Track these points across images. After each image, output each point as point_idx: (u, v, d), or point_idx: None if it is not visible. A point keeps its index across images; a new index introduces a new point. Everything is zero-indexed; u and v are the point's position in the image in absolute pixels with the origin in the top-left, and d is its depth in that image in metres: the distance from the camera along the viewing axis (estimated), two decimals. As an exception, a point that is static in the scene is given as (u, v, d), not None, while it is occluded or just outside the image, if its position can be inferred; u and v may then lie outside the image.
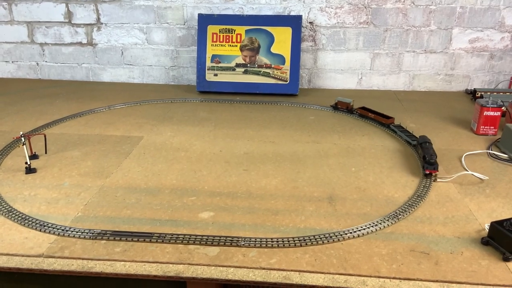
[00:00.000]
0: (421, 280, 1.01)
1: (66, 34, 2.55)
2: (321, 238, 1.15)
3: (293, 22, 2.34)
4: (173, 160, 1.62)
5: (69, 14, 2.50)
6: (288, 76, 2.36)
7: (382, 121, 1.94)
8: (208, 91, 2.42)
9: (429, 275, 1.02)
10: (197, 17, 2.42)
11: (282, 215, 1.26)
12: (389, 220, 1.23)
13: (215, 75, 2.41)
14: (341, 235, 1.16)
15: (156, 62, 2.59)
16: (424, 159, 1.50)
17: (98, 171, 1.52)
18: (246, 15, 2.39)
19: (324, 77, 2.53)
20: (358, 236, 1.17)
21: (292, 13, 2.40)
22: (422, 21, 2.39)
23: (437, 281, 1.01)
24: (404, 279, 1.02)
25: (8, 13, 2.52)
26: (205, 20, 2.39)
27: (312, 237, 1.15)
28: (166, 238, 1.15)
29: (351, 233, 1.17)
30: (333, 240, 1.14)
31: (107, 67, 2.62)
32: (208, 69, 2.41)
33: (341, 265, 1.06)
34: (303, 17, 2.39)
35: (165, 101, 2.31)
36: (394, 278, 1.02)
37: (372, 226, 1.20)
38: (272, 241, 1.13)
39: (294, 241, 1.13)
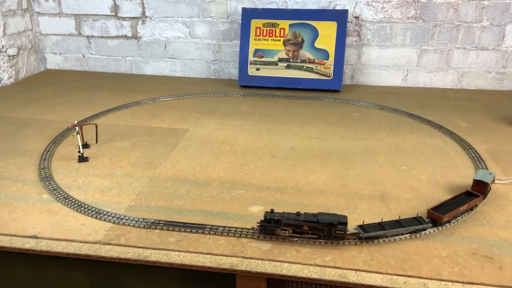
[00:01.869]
0: (485, 285, 0.97)
1: (112, 27, 2.60)
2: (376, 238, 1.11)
3: (339, 16, 2.29)
4: (219, 153, 1.62)
5: (115, 8, 2.55)
6: (331, 71, 2.32)
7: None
8: (250, 85, 2.41)
9: (494, 280, 0.98)
10: (240, 11, 2.41)
11: (333, 212, 1.24)
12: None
13: (257, 69, 2.39)
14: (397, 235, 1.13)
15: (198, 56, 2.61)
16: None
17: (147, 161, 1.54)
18: (291, 9, 2.36)
19: (368, 73, 2.48)
20: (416, 237, 1.13)
21: (338, 8, 2.36)
22: (474, 16, 2.29)
23: (502, 286, 0.96)
24: (467, 283, 0.97)
25: (57, 6, 2.60)
26: (248, 14, 2.38)
27: (368, 236, 1.12)
28: (218, 230, 1.14)
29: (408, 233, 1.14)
30: (390, 240, 1.11)
31: (150, 60, 2.66)
32: (250, 64, 2.40)
33: (399, 266, 1.02)
34: (348, 11, 2.34)
35: (208, 94, 2.32)
36: (456, 281, 0.98)
37: (430, 227, 1.16)
38: (325, 238, 1.11)
39: (348, 239, 1.11)
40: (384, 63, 2.44)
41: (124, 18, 2.58)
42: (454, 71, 2.41)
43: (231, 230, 1.14)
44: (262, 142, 1.72)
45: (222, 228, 1.15)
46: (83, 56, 2.71)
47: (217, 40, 2.55)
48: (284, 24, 2.35)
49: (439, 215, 1.15)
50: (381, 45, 2.41)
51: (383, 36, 2.38)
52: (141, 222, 1.17)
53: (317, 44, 2.32)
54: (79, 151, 1.52)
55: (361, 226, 1.13)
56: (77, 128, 1.50)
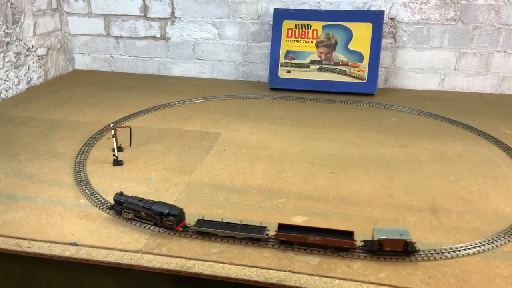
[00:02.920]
0: (557, 310, 0.89)
1: (140, 28, 2.58)
2: (432, 254, 1.05)
3: (375, 18, 2.22)
4: (255, 159, 1.57)
5: (145, 8, 2.53)
6: (365, 74, 2.25)
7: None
8: (280, 88, 2.35)
9: None
10: (271, 12, 2.36)
11: (382, 225, 1.17)
12: (506, 237, 1.11)
13: (288, 71, 2.34)
14: (454, 251, 1.06)
15: (227, 57, 2.56)
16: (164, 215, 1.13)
17: (182, 166, 1.50)
18: (324, 10, 2.30)
19: (402, 76, 2.39)
20: (474, 253, 1.06)
21: (373, 8, 2.28)
22: (517, 18, 2.19)
23: None
24: (538, 307, 0.90)
25: (87, 6, 2.59)
26: (280, 15, 2.32)
27: (422, 252, 1.05)
28: (262, 241, 1.09)
29: (465, 249, 1.06)
30: (446, 257, 1.04)
31: (178, 62, 2.63)
32: (281, 66, 2.34)
33: (460, 286, 0.95)
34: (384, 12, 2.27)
35: (237, 97, 2.27)
36: (525, 305, 0.91)
37: (488, 244, 1.08)
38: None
39: (178, 230, 1.07)
40: (420, 66, 2.35)
41: (153, 19, 2.55)
42: (494, 75, 2.31)
43: (275, 242, 1.09)
44: (298, 148, 1.66)
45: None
46: (111, 56, 2.69)
47: (246, 41, 2.50)
48: (317, 25, 2.28)
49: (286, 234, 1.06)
50: (417, 48, 2.32)
51: (419, 38, 2.30)
52: (182, 231, 1.13)
53: (351, 46, 2.25)
54: (114, 155, 1.49)
55: (200, 220, 1.13)
56: (113, 131, 1.46)
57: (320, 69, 2.30)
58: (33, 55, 2.39)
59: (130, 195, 1.18)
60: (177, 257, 1.04)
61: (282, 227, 1.08)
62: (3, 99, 2.18)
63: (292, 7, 2.36)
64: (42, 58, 2.48)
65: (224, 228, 1.10)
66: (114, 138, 1.47)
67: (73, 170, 1.43)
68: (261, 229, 1.09)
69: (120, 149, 1.59)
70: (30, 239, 1.10)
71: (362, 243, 1.06)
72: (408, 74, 2.39)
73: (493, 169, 1.49)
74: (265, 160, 1.56)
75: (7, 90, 2.20)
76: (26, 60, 2.34)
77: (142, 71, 2.69)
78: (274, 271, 1.01)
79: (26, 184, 1.36)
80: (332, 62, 2.28)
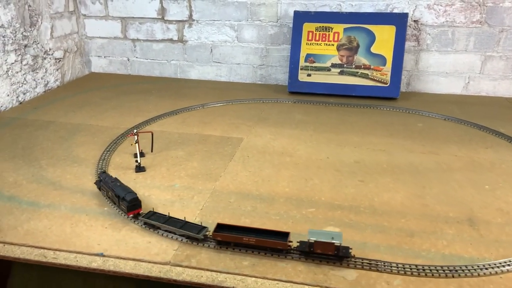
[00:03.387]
0: None
1: (158, 31, 2.55)
2: (475, 269, 0.99)
3: (398, 20, 2.16)
4: (280, 166, 1.52)
5: (162, 10, 2.50)
6: (388, 78, 2.19)
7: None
8: (300, 91, 2.31)
9: None
10: (291, 14, 2.32)
11: (419, 238, 1.12)
12: (552, 252, 1.05)
13: (309, 75, 2.29)
14: (498, 267, 1.00)
15: (245, 60, 2.52)
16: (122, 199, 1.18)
17: (206, 173, 1.46)
18: (345, 12, 2.25)
19: (425, 80, 2.34)
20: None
21: (395, 11, 2.23)
22: (546, 20, 2.12)
23: None
24: None
25: (104, 8, 2.57)
26: (301, 18, 2.28)
27: (464, 267, 1.00)
28: (295, 255, 1.05)
29: (509, 265, 1.01)
30: (490, 273, 0.99)
31: (195, 65, 2.60)
32: (301, 69, 2.30)
33: (510, 305, 0.90)
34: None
35: (256, 101, 2.23)
36: None
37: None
38: (417, 269, 1.00)
39: (443, 270, 0.99)
40: (444, 69, 2.29)
41: (170, 21, 2.52)
42: (521, 79, 2.25)
43: (309, 255, 1.04)
44: (323, 154, 1.62)
45: (299, 253, 1.05)
46: (128, 59, 2.67)
47: (265, 44, 2.46)
48: (338, 28, 2.23)
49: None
50: (441, 51, 2.26)
51: (444, 41, 2.24)
52: (211, 242, 1.09)
53: (374, 49, 2.20)
54: (137, 161, 1.45)
55: (150, 212, 1.17)
56: (135, 137, 1.43)
57: (341, 73, 2.25)
58: (50, 58, 2.38)
59: (113, 176, 1.29)
60: (208, 270, 1.00)
61: (220, 227, 1.09)
62: (20, 102, 2.16)
63: (312, 9, 2.32)
64: (59, 61, 2.46)
65: (168, 223, 1.12)
66: (137, 145, 1.44)
67: (95, 177, 1.40)
68: (201, 229, 1.10)
69: (142, 154, 1.55)
70: (56, 249, 1.06)
71: (298, 244, 1.06)
72: (431, 77, 2.33)
73: (530, 178, 1.43)
74: (290, 167, 1.52)
75: (24, 93, 2.19)
76: (44, 63, 2.32)
77: (158, 74, 2.66)
78: (310, 287, 0.96)
79: (48, 191, 1.32)
80: (353, 66, 2.23)
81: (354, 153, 1.63)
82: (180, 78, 2.64)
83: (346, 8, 2.28)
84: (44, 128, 1.81)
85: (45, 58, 2.33)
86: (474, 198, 1.31)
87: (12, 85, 2.10)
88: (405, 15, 2.16)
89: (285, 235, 1.06)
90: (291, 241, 1.05)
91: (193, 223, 1.13)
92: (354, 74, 2.24)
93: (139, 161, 1.45)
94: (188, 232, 1.09)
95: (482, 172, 1.47)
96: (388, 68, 2.19)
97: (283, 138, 1.76)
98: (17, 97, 2.14)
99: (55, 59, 2.42)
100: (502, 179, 1.42)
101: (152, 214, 1.16)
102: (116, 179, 1.26)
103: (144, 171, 1.46)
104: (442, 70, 2.30)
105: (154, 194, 1.32)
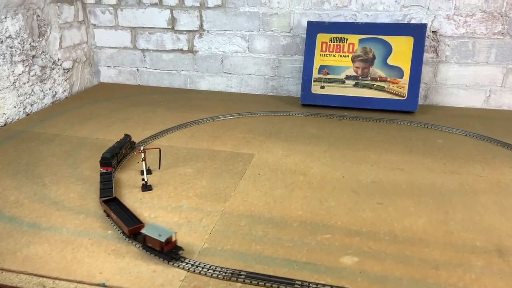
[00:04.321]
0: None
1: (168, 41, 2.51)
2: (509, 309, 0.90)
3: (416, 31, 2.08)
4: (293, 185, 1.45)
5: (172, 20, 2.45)
6: (405, 91, 2.11)
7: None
8: (313, 104, 2.23)
9: None
10: (304, 25, 2.25)
11: (445, 270, 1.03)
12: None
13: (322, 87, 2.22)
14: (534, 307, 0.91)
15: (256, 71, 2.46)
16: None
17: (215, 193, 1.39)
18: (361, 23, 2.17)
19: (444, 93, 2.25)
20: None
21: (413, 21, 2.15)
22: None
23: None
24: None
25: (114, 18, 2.53)
26: (314, 28, 2.21)
27: (497, 307, 0.91)
28: (310, 287, 0.97)
29: (547, 305, 0.92)
30: None
31: (206, 75, 2.54)
32: (314, 81, 2.22)
33: None
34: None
35: (268, 113, 2.16)
36: None
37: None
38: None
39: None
40: (464, 82, 2.20)
41: (181, 32, 2.47)
42: (546, 92, 2.15)
43: (325, 288, 0.96)
44: (338, 173, 1.54)
45: (314, 286, 0.97)
46: (137, 69, 2.62)
47: (277, 55, 2.40)
48: (353, 38, 2.16)
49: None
50: (461, 63, 2.17)
51: (464, 53, 2.15)
52: (219, 271, 1.01)
53: (390, 61, 2.12)
54: (143, 179, 1.39)
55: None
56: (143, 154, 1.37)
57: (356, 85, 2.17)
58: (58, 69, 2.34)
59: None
60: (216, 304, 0.93)
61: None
62: (28, 114, 2.12)
63: (326, 19, 2.25)
64: (68, 71, 2.42)
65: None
66: (144, 162, 1.37)
67: (100, 196, 1.34)
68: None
69: (149, 171, 1.49)
70: (55, 278, 1.00)
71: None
72: (450, 90, 2.24)
73: (562, 202, 1.33)
74: (304, 186, 1.44)
75: (32, 105, 2.15)
76: (52, 74, 2.29)
77: (168, 84, 2.62)
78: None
79: (50, 211, 1.27)
80: (369, 78, 2.16)
81: (371, 171, 1.55)
82: (190, 89, 2.58)
83: (362, 18, 2.21)
84: (50, 142, 1.76)
85: (53, 69, 2.30)
86: (502, 225, 1.21)
87: (19, 97, 2.07)
88: (424, 26, 2.08)
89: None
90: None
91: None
92: (369, 87, 2.16)
93: (145, 180, 1.39)
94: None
95: (509, 195, 1.37)
96: (405, 80, 2.11)
97: (295, 154, 1.69)
98: (24, 109, 2.10)
99: (64, 69, 2.39)
100: (531, 204, 1.33)
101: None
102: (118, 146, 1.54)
103: (151, 189, 1.39)
104: (461, 83, 2.21)
105: (160, 215, 1.25)
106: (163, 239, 1.03)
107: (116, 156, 1.50)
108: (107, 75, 2.69)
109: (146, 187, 1.39)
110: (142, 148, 1.38)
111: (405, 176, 1.51)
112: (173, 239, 1.06)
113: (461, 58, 2.17)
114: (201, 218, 1.24)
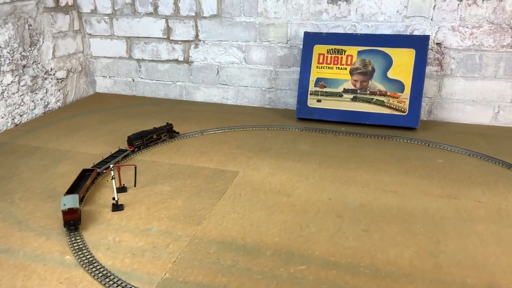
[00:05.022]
0: None
1: (163, 51, 2.45)
2: None
3: (418, 43, 1.97)
4: (274, 207, 1.35)
5: (168, 30, 2.40)
6: (407, 106, 1.99)
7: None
8: (309, 118, 2.14)
9: None
10: (302, 36, 2.16)
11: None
12: None
13: (319, 101, 2.12)
14: None
15: (253, 82, 2.38)
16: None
17: (189, 214, 1.30)
18: (360, 34, 2.07)
19: (449, 108, 2.12)
20: None
21: (416, 32, 2.04)
22: None
23: None
24: None
25: (109, 28, 2.49)
26: (311, 39, 2.12)
27: None
28: None
29: None
30: None
31: (201, 86, 2.47)
32: (310, 94, 2.13)
33: None
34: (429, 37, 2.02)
35: (261, 127, 2.07)
36: None
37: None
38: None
39: None
40: (470, 97, 2.07)
41: (176, 41, 2.42)
42: (559, 109, 2.00)
43: None
44: (325, 194, 1.43)
45: None
46: (133, 80, 2.58)
47: (274, 66, 2.31)
48: (352, 50, 2.06)
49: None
50: (467, 77, 2.05)
51: (470, 66, 2.03)
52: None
53: (391, 74, 2.01)
54: (114, 198, 1.32)
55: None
56: (112, 172, 1.29)
57: (354, 99, 2.07)
58: (51, 78, 2.31)
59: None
60: None
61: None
62: (16, 125, 2.08)
63: (324, 30, 2.16)
64: (62, 81, 2.39)
65: None
66: (114, 181, 1.30)
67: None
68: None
69: (123, 189, 1.42)
70: (-3, 309, 0.93)
71: None
72: (456, 106, 2.11)
73: None
74: (285, 209, 1.34)
75: (21, 115, 2.11)
76: (44, 84, 2.25)
77: (163, 95, 2.56)
78: None
79: (12, 232, 1.20)
80: (368, 92, 2.05)
81: (361, 194, 1.44)
82: (185, 100, 2.52)
83: (362, 29, 2.11)
84: (30, 155, 1.71)
85: (45, 79, 2.26)
86: (498, 259, 1.09)
87: (8, 107, 2.03)
88: (426, 37, 1.97)
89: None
90: None
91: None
92: (368, 101, 2.05)
93: (116, 199, 1.31)
94: None
95: (509, 224, 1.25)
96: (406, 95, 1.99)
97: (283, 173, 1.59)
98: (13, 119, 2.07)
99: (57, 79, 2.35)
100: (534, 235, 1.20)
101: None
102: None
103: (122, 209, 1.32)
104: (468, 98, 2.08)
105: (125, 240, 1.17)
106: (64, 208, 1.17)
107: (141, 139, 1.75)
108: (103, 85, 2.65)
109: (116, 207, 1.31)
110: (111, 166, 1.31)
111: (397, 200, 1.39)
112: (76, 211, 1.18)
113: (467, 72, 2.04)
114: (168, 244, 1.16)
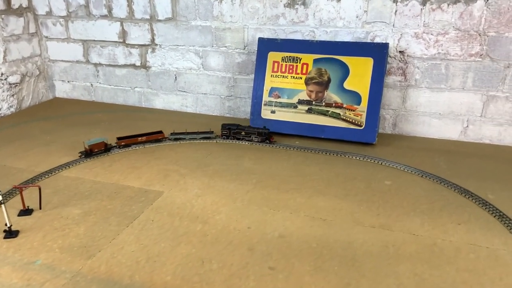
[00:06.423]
0: None
1: (120, 55, 2.35)
2: None
3: (377, 51, 1.81)
4: (183, 237, 1.23)
5: (123, 34, 2.29)
6: (363, 119, 1.84)
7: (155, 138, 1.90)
8: (264, 130, 2.00)
9: None
10: (258, 41, 2.03)
11: None
12: None
13: (273, 112, 1.98)
14: None
15: (211, 90, 2.25)
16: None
17: (86, 244, 1.19)
18: (316, 41, 1.92)
19: (414, 121, 1.95)
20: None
21: (377, 40, 1.87)
22: None
23: None
24: None
25: (65, 30, 2.40)
26: (265, 46, 1.98)
27: None
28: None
29: None
30: None
31: (160, 93, 2.36)
32: (264, 104, 1.99)
33: None
34: (391, 44, 1.85)
35: (210, 140, 1.93)
36: None
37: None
38: None
39: None
40: (437, 110, 1.90)
41: (132, 45, 2.31)
42: (534, 125, 1.81)
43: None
44: (246, 222, 1.30)
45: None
46: (91, 85, 2.48)
47: (232, 73, 2.18)
48: (308, 58, 1.91)
49: None
50: (432, 88, 1.88)
51: (436, 77, 1.86)
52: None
53: (347, 85, 1.86)
54: (6, 224, 1.21)
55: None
56: (0, 197, 1.19)
57: (309, 111, 1.92)
58: (2, 83, 2.23)
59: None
60: None
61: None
62: (-43, 133, 2.01)
63: (282, 35, 2.01)
64: (15, 86, 2.31)
65: None
66: (3, 206, 1.19)
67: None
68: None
69: (27, 212, 1.32)
70: None
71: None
72: (422, 119, 1.94)
73: (505, 276, 1.04)
74: (194, 239, 1.22)
75: (-36, 123, 2.04)
76: (-7, 89, 2.18)
77: (122, 101, 2.45)
78: None
79: None
80: (323, 103, 1.90)
81: (285, 222, 1.30)
82: (144, 107, 2.41)
83: (320, 35, 1.96)
84: (-49, 169, 1.63)
85: (-5, 84, 2.19)
86: (409, 314, 0.95)
87: None
88: (385, 45, 1.81)
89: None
90: None
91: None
92: (324, 113, 1.90)
93: (8, 225, 1.21)
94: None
95: (438, 265, 1.10)
96: (363, 107, 1.84)
97: (211, 194, 1.47)
98: (-46, 127, 2.00)
99: (10, 84, 2.27)
100: (461, 279, 1.04)
101: None
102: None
103: (15, 236, 1.21)
104: (434, 111, 1.91)
105: (2, 274, 1.07)
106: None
107: (229, 130, 1.91)
108: (62, 90, 2.56)
109: (9, 234, 1.21)
110: (0, 193, 1.20)
111: (322, 230, 1.25)
112: None
113: (432, 82, 1.87)
114: (44, 282, 1.05)
